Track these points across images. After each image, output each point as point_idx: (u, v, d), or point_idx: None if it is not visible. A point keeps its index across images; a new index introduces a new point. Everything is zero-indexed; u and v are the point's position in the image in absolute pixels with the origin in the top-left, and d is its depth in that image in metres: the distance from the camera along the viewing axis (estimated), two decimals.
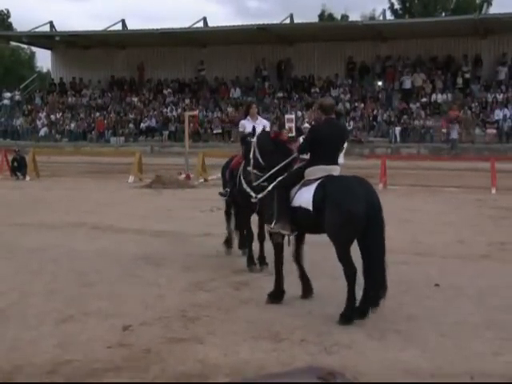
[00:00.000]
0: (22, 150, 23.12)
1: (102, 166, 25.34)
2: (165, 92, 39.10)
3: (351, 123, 32.70)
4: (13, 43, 50.80)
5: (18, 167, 21.41)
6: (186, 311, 6.40)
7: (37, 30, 38.99)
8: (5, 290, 7.23)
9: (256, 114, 9.35)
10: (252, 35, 35.71)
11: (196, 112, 31.07)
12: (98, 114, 38.25)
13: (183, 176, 20.30)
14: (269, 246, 7.43)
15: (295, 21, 37.68)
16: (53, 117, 38.83)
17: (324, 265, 7.82)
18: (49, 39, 40.74)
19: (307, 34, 35.89)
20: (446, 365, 5.05)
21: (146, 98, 39.07)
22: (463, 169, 21.96)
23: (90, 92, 40.87)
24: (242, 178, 8.05)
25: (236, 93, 37.82)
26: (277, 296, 6.75)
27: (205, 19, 37.76)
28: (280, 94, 36.67)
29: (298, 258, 6.92)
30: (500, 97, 32.39)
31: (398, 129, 31.97)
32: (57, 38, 39.29)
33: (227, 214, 9.35)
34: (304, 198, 6.40)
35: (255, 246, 8.40)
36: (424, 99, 33.67)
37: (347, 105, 34.62)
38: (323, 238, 6.40)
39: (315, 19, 54.52)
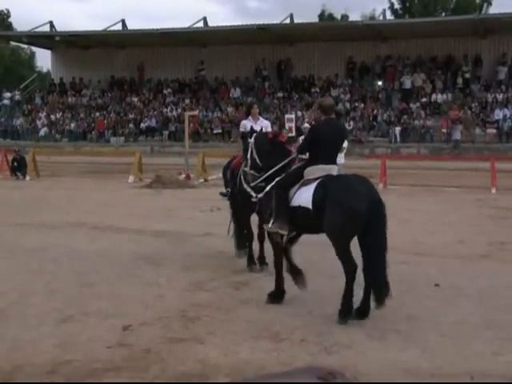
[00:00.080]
0: (22, 149, 23.13)
1: (102, 165, 25.34)
2: (165, 92, 39.11)
3: (351, 123, 32.71)
4: (13, 43, 50.83)
5: (18, 167, 21.41)
6: (186, 311, 6.40)
7: (37, 29, 39.00)
8: (5, 289, 7.23)
9: (257, 115, 9.35)
10: (252, 35, 35.71)
11: (196, 112, 31.08)
12: (98, 113, 38.27)
13: (183, 176, 20.30)
14: (269, 246, 7.42)
15: (295, 21, 37.70)
16: (53, 117, 38.84)
17: (323, 264, 7.83)
18: (49, 39, 40.75)
19: (307, 33, 35.90)
20: (446, 365, 5.05)
21: (146, 97, 39.08)
22: (463, 169, 21.96)
23: (90, 92, 40.88)
24: (242, 177, 8.05)
25: (236, 93, 37.83)
26: (277, 296, 6.75)
27: (205, 19, 37.78)
28: (280, 94, 36.68)
29: (286, 252, 6.90)
30: (500, 97, 32.40)
31: (398, 129, 31.97)
32: (57, 38, 39.30)
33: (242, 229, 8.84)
34: (303, 197, 6.41)
35: (255, 245, 8.40)
36: (424, 99, 33.67)
37: (347, 105, 34.62)
38: (322, 238, 6.39)
39: (315, 19, 54.58)
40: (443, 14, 51.94)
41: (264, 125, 9.06)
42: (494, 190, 16.77)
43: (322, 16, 56.43)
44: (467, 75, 34.37)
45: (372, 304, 6.15)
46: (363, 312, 6.16)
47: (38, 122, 38.65)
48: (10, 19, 60.46)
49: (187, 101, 37.85)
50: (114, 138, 36.16)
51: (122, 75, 40.98)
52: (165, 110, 37.38)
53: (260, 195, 7.10)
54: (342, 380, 3.27)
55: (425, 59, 35.79)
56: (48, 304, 6.67)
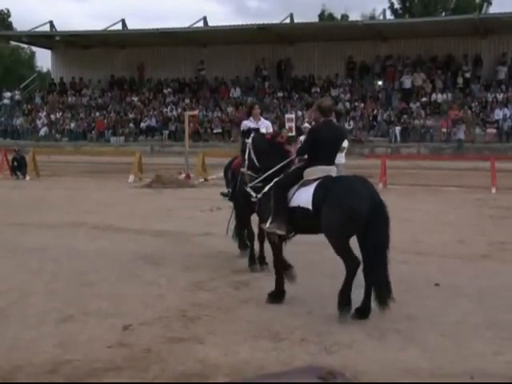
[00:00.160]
0: (22, 149, 23.12)
1: (102, 165, 25.35)
2: (165, 92, 39.11)
3: (351, 123, 32.72)
4: (13, 43, 50.84)
5: (18, 167, 21.41)
6: (186, 311, 6.40)
7: (37, 29, 39.00)
8: (5, 289, 7.23)
9: (259, 115, 9.35)
10: (252, 35, 35.71)
11: (196, 112, 31.08)
12: (98, 113, 38.27)
13: (183, 176, 20.30)
14: (269, 246, 7.43)
15: (295, 20, 37.70)
16: (53, 116, 38.84)
17: (323, 264, 7.84)
18: (49, 39, 40.75)
19: (307, 33, 35.90)
20: (446, 364, 5.05)
21: (146, 97, 39.08)
22: (463, 168, 21.96)
23: (90, 92, 40.89)
24: (242, 177, 8.05)
25: (236, 92, 37.83)
26: (277, 296, 6.75)
27: (205, 19, 37.78)
28: (280, 94, 36.69)
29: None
30: (500, 96, 32.40)
31: (398, 128, 31.98)
32: (57, 38, 39.30)
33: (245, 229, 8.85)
34: (302, 198, 6.42)
35: (255, 245, 8.40)
36: (424, 99, 33.67)
37: (347, 104, 34.63)
38: (322, 238, 6.40)
39: (315, 19, 54.62)
40: (443, 13, 51.93)
41: (265, 125, 9.06)
42: (494, 190, 16.77)
43: (322, 16, 56.44)
44: (467, 75, 34.38)
45: (373, 305, 6.15)
46: (363, 312, 6.16)
47: (38, 122, 38.65)
48: (10, 19, 60.58)
49: (187, 100, 37.85)
50: (114, 138, 36.16)
51: (121, 75, 40.99)
52: (165, 109, 37.38)
53: (260, 195, 7.11)
54: (342, 380, 3.27)
55: (425, 59, 35.80)
56: (48, 304, 6.67)
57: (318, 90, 35.97)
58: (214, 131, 34.87)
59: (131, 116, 37.42)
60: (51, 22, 39.42)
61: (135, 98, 38.98)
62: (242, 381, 4.29)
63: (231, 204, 9.11)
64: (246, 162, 7.47)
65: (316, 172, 6.50)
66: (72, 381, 4.81)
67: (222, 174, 9.77)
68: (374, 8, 64.32)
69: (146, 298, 6.84)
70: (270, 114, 31.70)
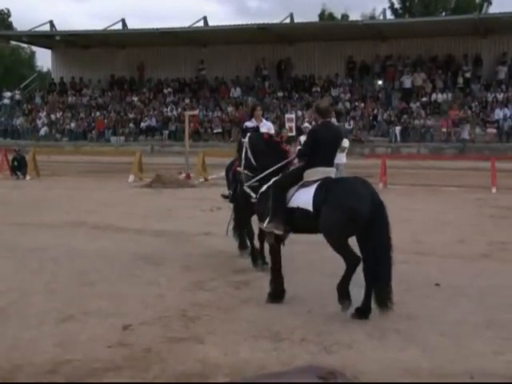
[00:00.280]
0: (22, 149, 23.11)
1: (102, 165, 25.35)
2: (165, 91, 39.11)
3: (351, 123, 32.72)
4: (13, 42, 50.83)
5: (18, 167, 21.40)
6: (186, 311, 6.40)
7: (37, 29, 39.01)
8: (5, 289, 7.23)
9: (260, 117, 9.36)
10: (252, 35, 35.71)
11: (196, 111, 31.10)
12: (98, 113, 38.27)
13: (183, 175, 20.30)
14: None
15: (295, 20, 37.70)
16: (53, 116, 38.84)
17: (323, 264, 7.84)
18: (49, 39, 40.74)
19: (307, 33, 35.90)
20: (446, 364, 5.05)
21: (146, 97, 39.08)
22: (463, 168, 21.97)
23: (90, 91, 40.88)
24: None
25: (236, 92, 37.83)
26: (277, 296, 6.75)
27: (205, 19, 37.78)
28: (280, 94, 36.68)
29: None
30: (500, 96, 32.40)
31: (398, 128, 31.97)
32: (57, 38, 39.28)
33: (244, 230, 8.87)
34: (302, 198, 6.43)
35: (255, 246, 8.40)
36: (424, 99, 33.67)
37: (347, 104, 34.63)
38: (322, 238, 6.40)
39: (315, 19, 54.60)
40: (443, 13, 51.93)
41: (267, 127, 9.07)
42: (494, 190, 16.77)
43: (322, 16, 56.44)
44: (467, 75, 34.38)
45: (373, 305, 6.16)
46: (363, 312, 6.16)
47: (38, 122, 38.65)
48: (10, 19, 60.58)
49: (187, 100, 37.85)
50: (114, 138, 36.16)
51: (122, 75, 40.99)
52: (165, 109, 37.38)
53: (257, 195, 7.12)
54: (343, 379, 3.27)
55: (425, 59, 35.79)
56: (48, 303, 6.67)
57: (319, 89, 35.97)
58: (214, 131, 34.87)
59: (131, 116, 37.42)
60: (51, 22, 39.45)
61: (135, 98, 38.98)
62: (242, 381, 4.29)
63: (232, 205, 9.11)
64: (243, 161, 7.47)
65: (316, 173, 6.51)
66: (72, 381, 4.81)
67: (222, 174, 9.78)
68: (374, 8, 64.46)
69: (146, 298, 6.84)
70: (270, 113, 31.70)
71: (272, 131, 9.04)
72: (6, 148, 24.97)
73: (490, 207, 13.95)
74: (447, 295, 6.94)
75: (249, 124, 9.07)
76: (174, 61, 39.42)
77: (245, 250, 8.83)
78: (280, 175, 6.81)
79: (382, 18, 39.39)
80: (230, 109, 35.94)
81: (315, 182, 6.44)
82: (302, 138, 7.16)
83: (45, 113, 39.26)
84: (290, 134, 12.85)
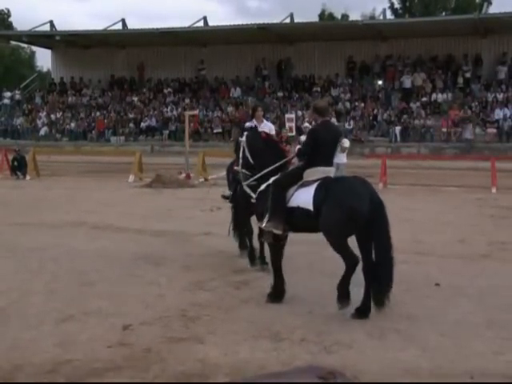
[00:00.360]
0: (22, 149, 23.10)
1: (102, 165, 25.34)
2: (165, 91, 39.10)
3: (351, 123, 32.71)
4: (13, 42, 50.81)
5: (18, 167, 21.40)
6: (186, 311, 6.40)
7: (37, 29, 39.00)
8: (5, 289, 7.23)
9: (261, 117, 9.36)
10: (252, 35, 35.70)
11: (196, 111, 31.07)
12: (98, 113, 38.26)
13: (183, 175, 20.29)
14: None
15: (295, 20, 37.70)
16: (53, 116, 38.84)
17: (323, 264, 7.84)
18: (49, 39, 40.73)
19: (307, 33, 35.90)
20: (446, 364, 5.05)
21: (146, 97, 39.07)
22: (463, 168, 21.97)
23: (90, 91, 40.88)
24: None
25: (236, 92, 37.83)
26: (277, 296, 6.75)
27: (205, 18, 37.77)
28: (280, 94, 36.68)
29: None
30: (500, 96, 32.39)
31: (398, 128, 31.96)
32: (57, 38, 39.27)
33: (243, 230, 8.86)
34: (302, 198, 6.43)
35: (255, 245, 8.39)
36: (424, 99, 33.66)
37: (347, 104, 34.62)
38: (324, 238, 6.40)
39: (315, 19, 54.61)
40: (443, 13, 51.92)
41: (268, 128, 9.07)
42: (494, 190, 16.78)
43: (322, 15, 56.45)
44: (467, 75, 34.37)
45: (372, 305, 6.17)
46: (363, 312, 6.17)
47: (38, 122, 38.65)
48: (10, 19, 60.58)
49: (187, 100, 37.84)
50: (114, 138, 36.15)
51: (122, 75, 40.98)
52: (165, 109, 37.37)
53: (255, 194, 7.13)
54: (342, 379, 3.28)
55: (425, 59, 35.78)
56: (48, 303, 6.67)
57: (319, 89, 35.96)
58: (214, 131, 34.86)
59: (131, 116, 37.41)
60: (51, 22, 39.44)
61: (135, 98, 38.97)
62: (242, 381, 4.29)
63: (231, 205, 9.11)
64: (241, 160, 7.47)
65: (316, 173, 6.52)
66: (72, 381, 4.81)
67: (222, 174, 9.78)
68: (374, 8, 64.43)
69: (146, 298, 6.84)
70: (270, 113, 31.69)
71: (273, 132, 9.05)
72: (6, 148, 24.97)
73: (490, 207, 13.95)
74: (447, 295, 6.94)
75: (249, 125, 9.07)
76: (174, 61, 39.41)
77: (245, 250, 8.83)
78: (279, 174, 6.82)
79: (382, 17, 39.40)
80: (230, 109, 35.93)
81: (315, 181, 6.45)
82: (302, 138, 7.15)
83: (45, 113, 39.26)
84: (289, 134, 12.86)
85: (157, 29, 37.49)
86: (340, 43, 36.59)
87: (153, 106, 37.97)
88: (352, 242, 6.29)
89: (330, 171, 6.64)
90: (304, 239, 7.76)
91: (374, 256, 6.18)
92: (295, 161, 7.00)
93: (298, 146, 6.87)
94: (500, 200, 15.01)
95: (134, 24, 78.24)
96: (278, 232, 6.62)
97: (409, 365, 5.03)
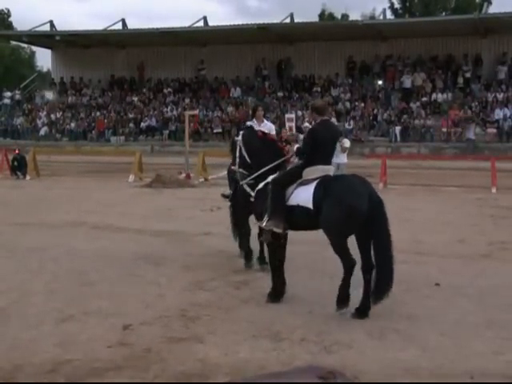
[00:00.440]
0: (23, 149, 23.09)
1: (102, 165, 25.35)
2: (165, 91, 39.11)
3: (351, 123, 32.71)
4: (13, 42, 50.85)
5: (19, 166, 21.40)
6: (186, 310, 6.40)
7: (37, 29, 39.02)
8: (5, 289, 7.23)
9: (262, 117, 9.35)
10: (252, 35, 35.71)
11: (196, 111, 31.08)
12: (98, 113, 38.27)
13: (183, 175, 20.30)
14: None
15: (295, 20, 37.70)
16: (53, 116, 38.84)
17: (323, 264, 7.84)
18: (49, 38, 40.74)
19: (307, 33, 35.90)
20: (446, 364, 5.05)
21: (146, 97, 39.08)
22: (463, 168, 21.97)
23: (90, 91, 40.88)
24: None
25: (236, 92, 37.83)
26: (276, 295, 6.76)
27: (205, 18, 37.78)
28: (280, 94, 36.68)
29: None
30: (500, 96, 32.39)
31: (398, 128, 31.97)
32: (57, 38, 39.29)
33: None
34: (302, 196, 6.44)
35: (255, 245, 8.39)
36: (424, 98, 33.66)
37: (347, 104, 34.62)
38: (324, 238, 6.40)
39: (315, 19, 54.64)
40: (443, 13, 51.92)
41: (268, 127, 9.07)
42: (494, 190, 16.78)
43: (322, 15, 56.47)
44: (467, 75, 34.37)
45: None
46: (363, 312, 6.17)
47: (38, 122, 38.66)
48: (11, 19, 60.64)
49: (187, 100, 37.85)
50: (114, 138, 36.16)
51: (122, 74, 40.99)
52: (165, 109, 37.38)
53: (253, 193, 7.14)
54: (342, 379, 3.28)
55: (425, 59, 35.79)
56: (48, 303, 6.67)
57: (319, 89, 35.96)
58: (214, 131, 34.86)
59: (131, 116, 37.41)
60: (51, 22, 39.46)
61: (135, 98, 38.97)
62: (242, 381, 4.29)
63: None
64: (237, 159, 7.47)
65: (315, 171, 6.54)
66: (72, 381, 4.81)
67: (222, 174, 9.78)
68: (374, 8, 64.53)
69: (146, 298, 6.84)
70: (270, 113, 31.68)
71: (273, 132, 9.04)
72: (6, 148, 24.97)
73: (490, 207, 13.95)
74: (447, 295, 6.94)
75: (250, 124, 9.06)
76: (174, 61, 39.42)
77: (249, 245, 8.80)
78: (278, 173, 6.83)
79: (382, 17, 39.41)
80: (230, 109, 35.93)
81: (314, 179, 6.47)
82: (301, 137, 7.12)
83: (45, 113, 39.26)
84: (289, 134, 12.84)
85: (157, 29, 37.50)
86: (340, 43, 36.60)
87: (153, 105, 37.98)
88: (351, 241, 6.29)
89: (329, 170, 6.66)
90: (304, 239, 7.77)
91: (373, 255, 6.19)
92: (294, 160, 7.01)
93: (297, 145, 6.87)
94: (500, 200, 15.01)
95: (134, 24, 78.25)
96: (278, 230, 6.63)
97: (409, 365, 5.03)
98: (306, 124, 8.43)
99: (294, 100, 35.88)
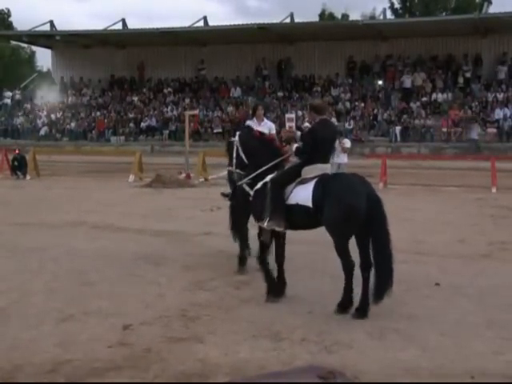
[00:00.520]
0: (23, 149, 23.08)
1: (103, 165, 25.34)
2: (165, 91, 39.11)
3: (351, 122, 32.71)
4: (13, 42, 50.85)
5: (19, 166, 21.39)
6: (187, 310, 6.40)
7: (37, 29, 39.04)
8: (5, 289, 7.23)
9: (262, 116, 9.34)
10: (252, 34, 35.72)
11: (196, 111, 31.07)
12: (98, 113, 38.28)
13: (183, 175, 20.29)
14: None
15: (295, 20, 37.74)
16: (53, 116, 38.84)
17: (324, 264, 7.84)
18: (49, 38, 40.77)
19: (307, 33, 35.91)
20: (446, 364, 5.05)
21: (147, 97, 39.09)
22: (463, 168, 21.96)
23: (91, 91, 40.88)
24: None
25: (236, 92, 37.84)
26: (274, 293, 6.76)
27: (205, 18, 37.80)
28: (280, 94, 36.69)
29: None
30: (500, 96, 32.40)
31: (398, 128, 31.97)
32: (57, 38, 39.33)
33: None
34: (301, 195, 6.46)
35: (255, 245, 8.37)
36: (424, 98, 33.67)
37: (347, 104, 34.62)
38: (324, 238, 6.40)
39: (315, 18, 54.65)
40: (443, 13, 51.92)
41: (268, 126, 9.06)
42: (494, 190, 16.77)
43: (322, 15, 56.48)
44: (467, 74, 34.38)
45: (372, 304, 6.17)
46: (363, 311, 6.17)
47: (39, 122, 38.66)
48: (11, 18, 60.63)
49: (187, 100, 37.85)
50: (115, 138, 36.16)
51: (122, 74, 41.00)
52: (165, 109, 37.38)
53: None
54: (343, 379, 3.28)
55: (425, 58, 35.80)
56: (48, 303, 6.66)
57: (319, 89, 35.96)
58: (215, 131, 34.86)
59: (131, 116, 37.42)
60: (51, 22, 39.47)
61: (135, 98, 38.98)
62: (243, 380, 4.29)
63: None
64: (234, 160, 7.47)
65: (314, 170, 6.57)
66: (72, 380, 4.81)
67: (222, 174, 9.77)
68: (375, 7, 64.48)
69: (146, 298, 6.84)
70: (270, 113, 31.68)
71: (273, 131, 9.04)
72: (7, 148, 24.96)
73: (490, 207, 13.95)
74: (447, 295, 6.94)
75: (250, 123, 9.06)
76: (174, 61, 39.42)
77: (246, 250, 8.80)
78: (277, 172, 6.83)
79: (382, 17, 39.43)
80: (230, 109, 35.93)
81: (312, 178, 6.49)
82: (298, 134, 7.11)
83: (45, 112, 39.26)
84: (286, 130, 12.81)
85: (157, 29, 37.51)
86: (340, 43, 36.60)
87: (153, 105, 37.98)
88: (351, 241, 6.29)
89: (327, 168, 6.70)
90: (304, 239, 7.77)
91: (372, 253, 6.18)
92: (293, 159, 7.02)
93: (296, 145, 6.87)
94: (500, 200, 15.00)
95: (134, 24, 78.21)
96: (280, 229, 6.64)
97: (409, 365, 5.02)
98: (307, 124, 8.41)
99: (294, 100, 35.88)
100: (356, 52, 37.02)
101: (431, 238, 10.21)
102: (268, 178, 6.81)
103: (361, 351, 5.31)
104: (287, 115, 18.75)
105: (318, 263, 8.10)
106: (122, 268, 8.21)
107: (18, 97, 41.63)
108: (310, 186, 6.42)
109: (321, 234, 6.48)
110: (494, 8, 47.81)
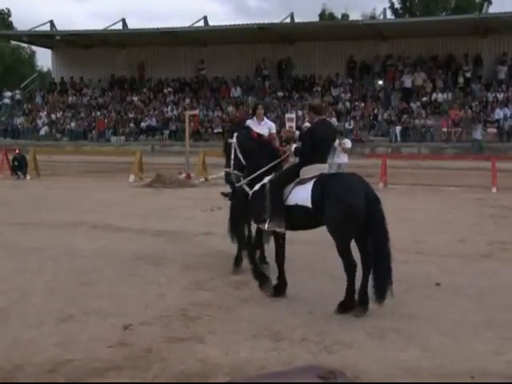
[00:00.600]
0: (23, 149, 23.07)
1: (103, 165, 25.34)
2: (165, 91, 39.10)
3: (352, 122, 32.70)
4: (13, 42, 50.84)
5: (19, 166, 21.39)
6: (187, 310, 6.40)
7: (37, 29, 39.00)
8: (5, 289, 7.23)
9: (262, 115, 9.33)
10: (252, 34, 35.70)
11: (196, 111, 31.07)
12: (98, 113, 38.26)
13: (184, 175, 20.29)
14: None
15: (296, 20, 37.69)
16: (53, 116, 38.84)
17: (324, 264, 7.84)
18: (49, 38, 40.73)
19: (308, 33, 35.89)
20: (447, 364, 5.05)
21: (147, 97, 39.07)
22: (463, 168, 21.96)
23: (91, 91, 40.87)
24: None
25: (236, 92, 37.82)
26: (276, 289, 6.79)
27: (205, 18, 37.77)
28: (280, 94, 36.67)
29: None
30: (500, 96, 32.38)
31: (398, 128, 31.95)
32: (57, 37, 39.28)
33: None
34: (300, 196, 6.47)
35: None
36: (424, 98, 33.65)
37: (347, 104, 34.61)
38: (324, 238, 6.40)
39: (316, 18, 54.63)
40: (444, 13, 51.93)
41: (268, 126, 9.05)
42: (494, 190, 16.77)
43: (322, 15, 56.46)
44: (468, 74, 34.36)
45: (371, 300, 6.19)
46: (363, 307, 6.20)
47: (39, 121, 38.65)
48: (11, 18, 60.61)
49: (188, 100, 37.84)
50: (115, 138, 36.14)
51: (122, 74, 40.98)
52: (165, 109, 37.37)
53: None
54: (343, 379, 3.28)
55: (425, 58, 35.78)
56: (48, 303, 6.67)
57: (319, 89, 35.94)
58: (215, 131, 34.83)
59: (132, 115, 37.40)
60: (51, 22, 39.43)
61: (135, 98, 38.97)
62: (243, 380, 4.29)
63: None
64: (232, 161, 7.46)
65: (312, 170, 6.59)
66: (72, 380, 4.81)
67: (222, 174, 9.74)
68: (375, 7, 64.64)
69: (146, 298, 6.84)
70: (270, 113, 31.68)
71: (273, 131, 9.03)
72: (7, 148, 24.96)
73: (490, 207, 13.95)
74: (447, 295, 6.94)
75: (249, 123, 9.06)
76: (175, 60, 39.41)
77: (245, 250, 8.79)
78: (275, 173, 6.83)
79: (382, 17, 39.39)
80: (231, 109, 35.93)
81: (311, 178, 6.49)
82: (297, 133, 7.12)
83: (45, 112, 39.26)
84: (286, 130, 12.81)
85: (157, 28, 37.49)
86: (340, 43, 36.58)
87: (153, 105, 37.97)
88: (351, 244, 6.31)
89: (325, 168, 6.72)
90: (304, 239, 7.77)
91: (370, 252, 6.20)
92: (292, 159, 7.02)
93: (295, 145, 6.87)
94: (500, 200, 15.00)
95: (134, 24, 78.11)
96: (281, 230, 6.65)
97: (409, 365, 5.03)
98: (307, 124, 8.42)
99: (294, 100, 35.86)
100: (356, 52, 37.00)
101: (431, 238, 10.21)
102: (266, 179, 6.81)
103: (361, 351, 5.31)
104: (287, 115, 18.81)
105: (318, 263, 8.10)
106: (122, 268, 8.22)
107: (18, 97, 41.61)
108: (309, 186, 6.43)
109: (321, 234, 6.48)
110: (494, 8, 47.85)
